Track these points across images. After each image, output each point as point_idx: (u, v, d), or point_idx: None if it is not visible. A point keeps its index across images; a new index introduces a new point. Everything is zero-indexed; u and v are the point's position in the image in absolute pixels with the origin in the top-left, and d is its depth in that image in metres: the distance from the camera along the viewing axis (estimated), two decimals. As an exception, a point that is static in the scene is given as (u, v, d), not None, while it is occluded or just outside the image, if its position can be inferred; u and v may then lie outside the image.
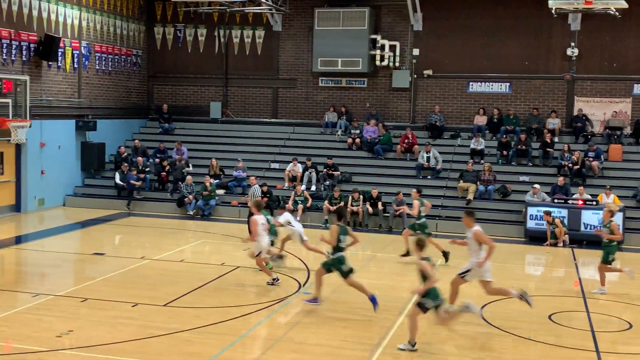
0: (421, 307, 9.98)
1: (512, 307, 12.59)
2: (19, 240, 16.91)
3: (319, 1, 26.01)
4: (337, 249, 11.80)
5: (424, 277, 9.92)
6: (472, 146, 23.89)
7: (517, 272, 16.42)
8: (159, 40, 28.04)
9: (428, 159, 23.29)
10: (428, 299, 9.92)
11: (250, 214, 14.57)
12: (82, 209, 22.25)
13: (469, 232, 11.30)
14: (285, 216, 15.50)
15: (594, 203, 19.75)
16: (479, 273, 11.32)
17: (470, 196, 21.71)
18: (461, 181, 22.31)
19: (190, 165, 24.36)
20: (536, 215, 19.88)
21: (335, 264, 11.84)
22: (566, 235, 19.06)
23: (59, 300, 12.15)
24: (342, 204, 20.91)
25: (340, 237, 11.78)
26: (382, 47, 25.51)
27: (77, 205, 22.85)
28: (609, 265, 14.12)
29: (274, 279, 13.52)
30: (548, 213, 19.25)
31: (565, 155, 22.49)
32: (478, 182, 21.99)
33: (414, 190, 16.76)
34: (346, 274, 11.86)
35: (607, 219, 14.03)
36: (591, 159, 22.40)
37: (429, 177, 23.24)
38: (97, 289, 13.01)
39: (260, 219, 13.53)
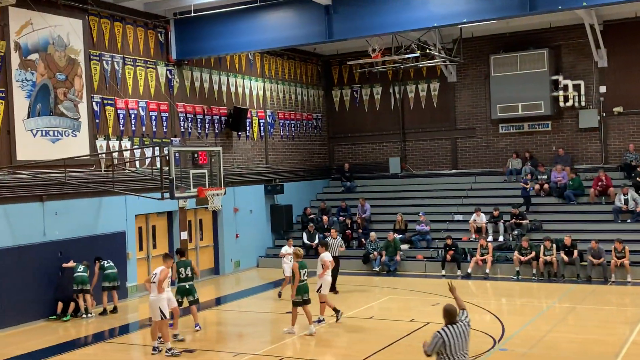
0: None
1: None
2: (218, 301, 17.85)
3: (494, 48, 25.60)
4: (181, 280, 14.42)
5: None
6: (675, 184, 21.95)
7: None
8: (337, 102, 29.00)
9: (626, 201, 21.68)
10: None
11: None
12: (274, 269, 22.93)
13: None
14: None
15: None
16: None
17: (678, 239, 19.82)
18: (666, 223, 20.47)
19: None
20: None
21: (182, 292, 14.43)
22: None
23: (258, 359, 12.58)
24: (533, 254, 20.08)
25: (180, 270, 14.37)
26: (565, 88, 24.47)
27: (269, 266, 23.75)
28: None
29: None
30: None
31: None
32: (686, 223, 20.06)
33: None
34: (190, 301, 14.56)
35: None
36: None
37: (628, 220, 21.58)
38: (293, 347, 13.33)
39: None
